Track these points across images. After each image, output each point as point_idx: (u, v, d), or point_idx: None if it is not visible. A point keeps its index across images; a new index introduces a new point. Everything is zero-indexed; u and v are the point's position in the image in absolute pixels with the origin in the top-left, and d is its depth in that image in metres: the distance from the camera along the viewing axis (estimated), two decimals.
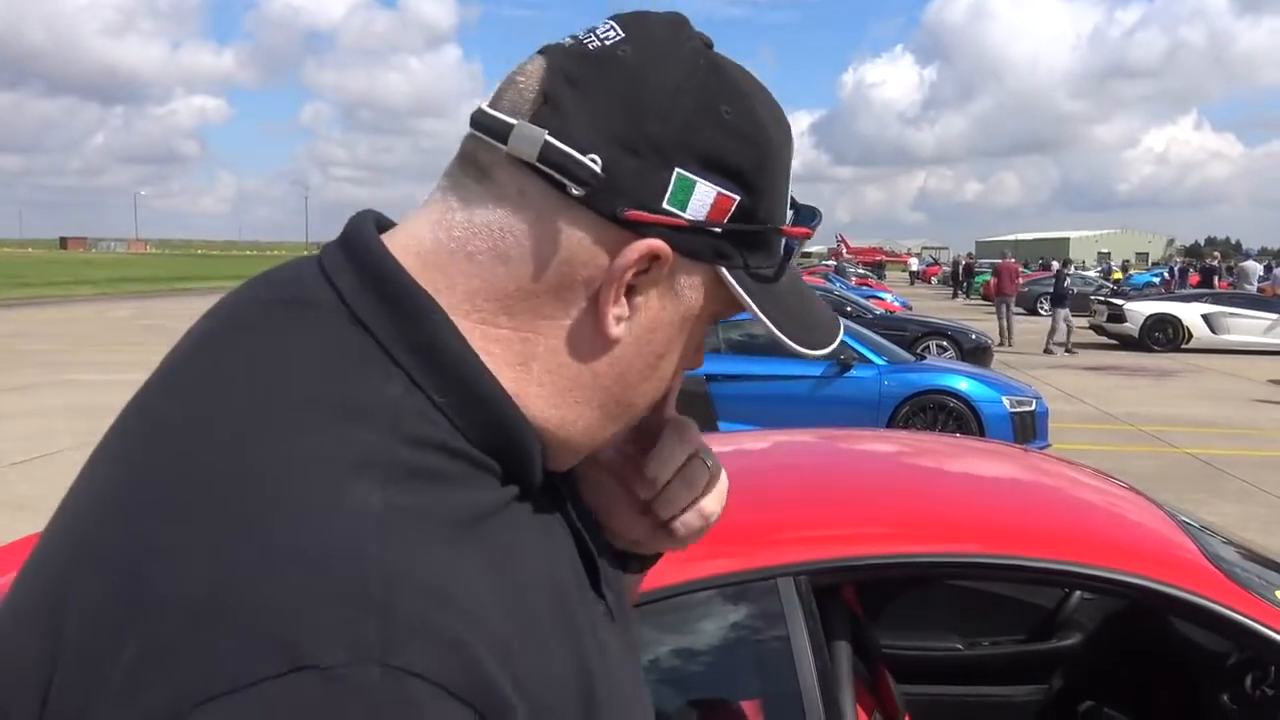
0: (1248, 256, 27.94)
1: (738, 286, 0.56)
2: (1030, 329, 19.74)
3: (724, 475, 0.70)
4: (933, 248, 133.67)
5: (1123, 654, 2.57)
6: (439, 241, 0.55)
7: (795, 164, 0.60)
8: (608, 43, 0.54)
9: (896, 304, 20.93)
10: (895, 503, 2.05)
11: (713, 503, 0.68)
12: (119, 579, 0.44)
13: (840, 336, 0.64)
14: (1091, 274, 36.39)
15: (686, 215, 0.54)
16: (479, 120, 0.54)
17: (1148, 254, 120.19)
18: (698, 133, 0.53)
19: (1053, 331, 16.43)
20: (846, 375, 7.63)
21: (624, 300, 0.55)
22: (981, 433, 7.26)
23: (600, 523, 0.69)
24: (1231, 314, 17.29)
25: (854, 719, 1.69)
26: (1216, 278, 24.34)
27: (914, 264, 63.38)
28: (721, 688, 1.73)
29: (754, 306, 0.57)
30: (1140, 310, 17.67)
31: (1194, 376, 13.86)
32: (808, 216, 0.60)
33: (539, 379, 0.55)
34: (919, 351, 10.85)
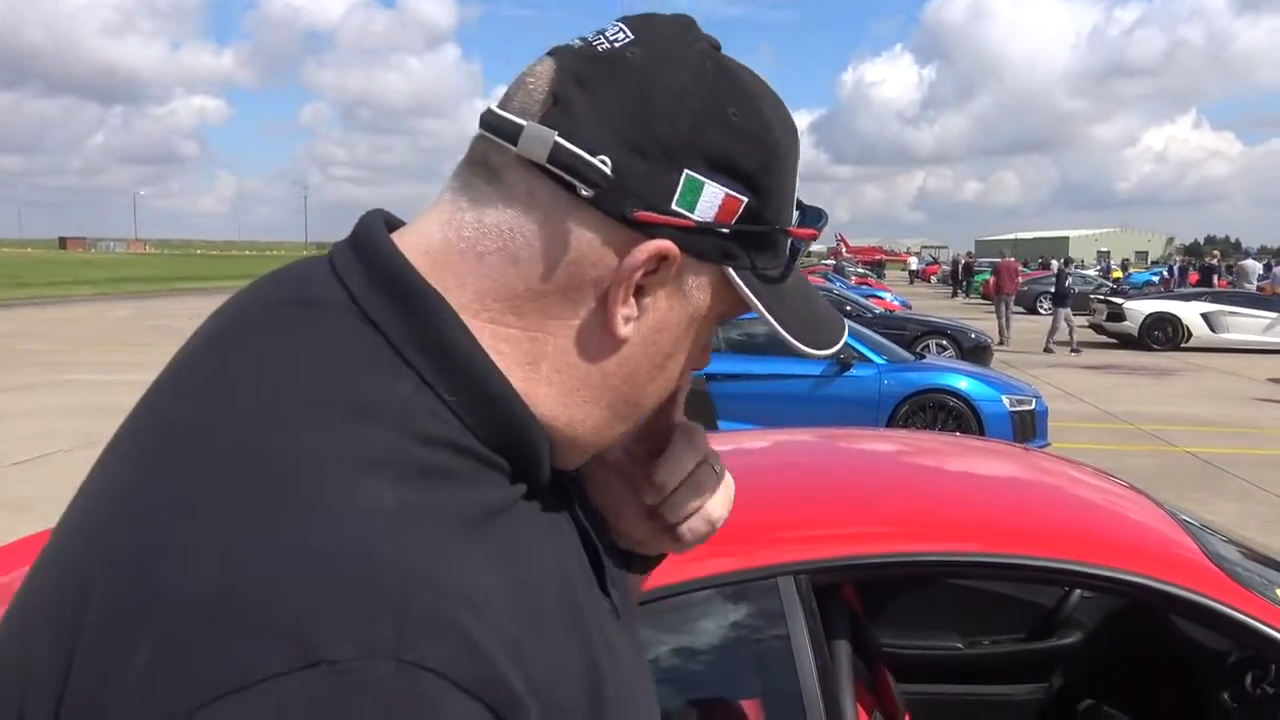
0: (1247, 255, 27.98)
1: (745, 287, 0.57)
2: (1030, 328, 19.74)
3: (730, 481, 0.70)
4: (932, 247, 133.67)
5: (1123, 653, 2.57)
6: (449, 241, 0.55)
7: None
8: (617, 45, 0.55)
9: (896, 303, 20.93)
10: (895, 502, 2.05)
11: (719, 508, 0.69)
12: (131, 577, 0.44)
13: (845, 337, 0.64)
14: (1091, 273, 36.41)
15: (694, 216, 0.54)
16: (489, 121, 0.54)
17: (1147, 253, 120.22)
18: (706, 134, 0.54)
19: (1053, 331, 16.42)
20: (846, 374, 7.63)
21: (632, 300, 0.55)
22: (981, 432, 7.26)
23: (606, 523, 0.69)
24: (1231, 313, 17.29)
25: (854, 718, 1.69)
26: (1216, 276, 24.34)
27: (913, 263, 63.36)
28: (722, 687, 1.73)
29: (761, 307, 0.57)
30: (1140, 309, 17.66)
31: (1193, 375, 13.86)
32: (813, 218, 0.61)
33: (548, 378, 0.56)
34: (919, 350, 10.84)
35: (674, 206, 0.53)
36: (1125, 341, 17.51)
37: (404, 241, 0.56)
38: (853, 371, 7.65)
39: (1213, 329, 17.17)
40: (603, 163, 0.52)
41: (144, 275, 48.16)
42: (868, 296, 19.37)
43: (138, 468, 0.50)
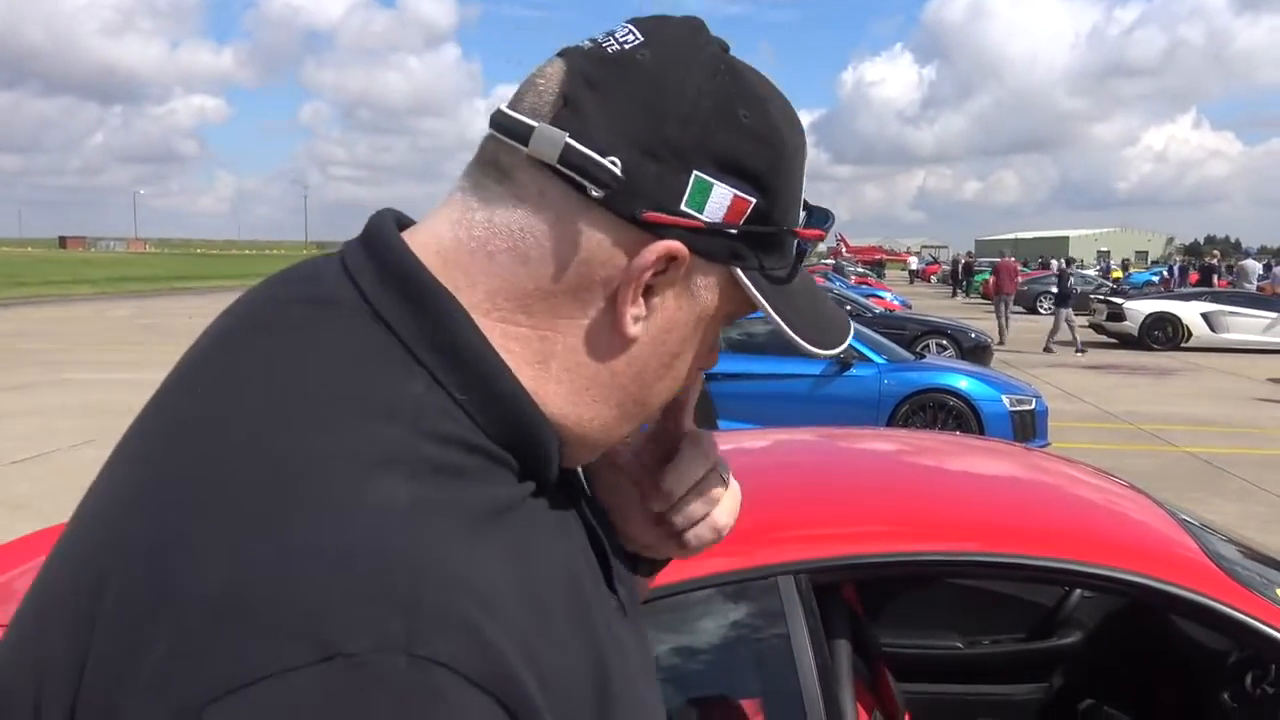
0: (1247, 255, 27.98)
1: (752, 287, 0.57)
2: (1030, 328, 19.73)
3: (737, 489, 0.71)
4: (932, 246, 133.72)
5: (1123, 652, 2.56)
6: (459, 241, 0.55)
7: None
8: (627, 46, 0.55)
9: (896, 302, 20.94)
10: (895, 501, 2.04)
11: (725, 516, 0.69)
12: (145, 574, 0.44)
13: (851, 336, 0.65)
14: (1091, 273, 36.40)
15: (703, 217, 0.54)
16: (499, 122, 0.55)
17: (1147, 252, 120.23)
18: (715, 136, 0.54)
19: (1055, 331, 16.40)
20: (846, 374, 7.63)
21: (641, 300, 0.55)
22: (981, 431, 7.26)
23: (613, 525, 0.70)
24: (1231, 312, 17.29)
25: (854, 717, 1.69)
26: (1216, 276, 24.35)
27: (913, 263, 63.36)
28: (722, 686, 1.73)
29: (768, 307, 0.58)
30: (1140, 309, 17.66)
31: (1193, 375, 13.86)
32: (820, 218, 0.61)
33: (557, 377, 0.56)
34: (919, 350, 10.84)
35: (683, 207, 0.54)
36: (1125, 341, 17.51)
37: (414, 240, 0.56)
38: (853, 371, 7.65)
39: (1213, 329, 17.17)
40: (613, 164, 0.52)
41: (144, 275, 48.16)
42: (868, 296, 19.38)
43: (147, 468, 0.50)
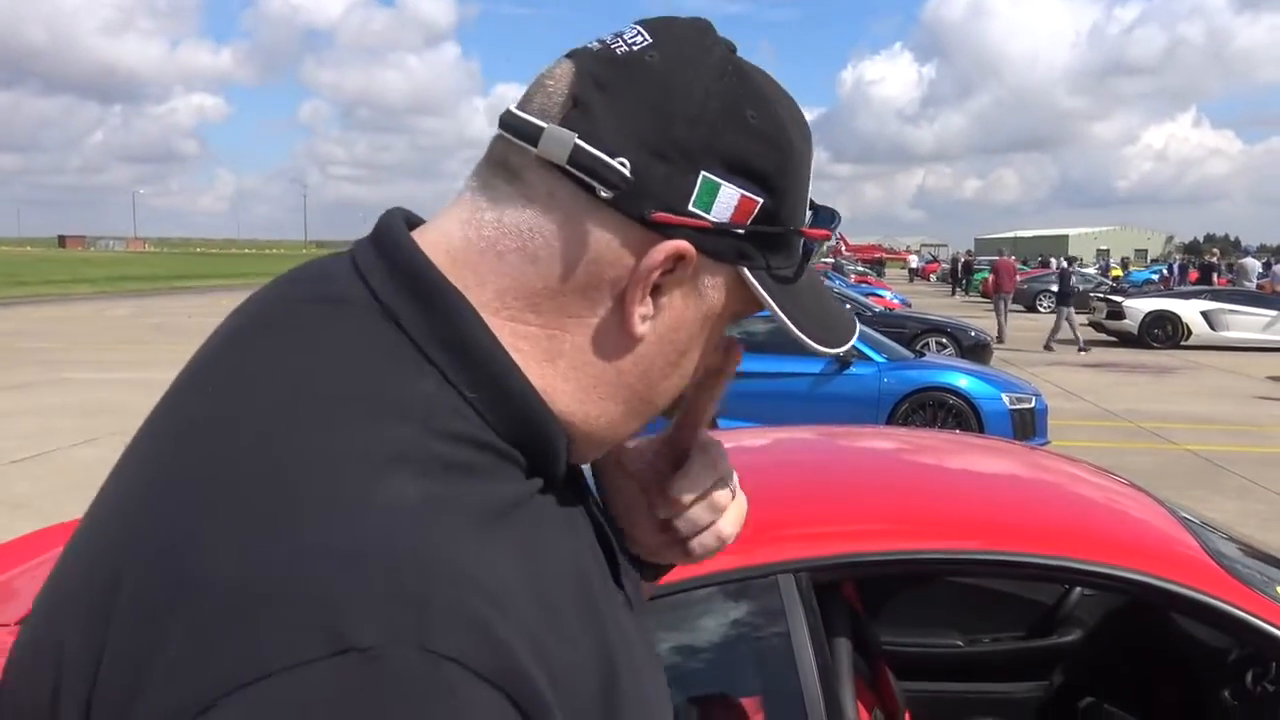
0: (1246, 253, 27.98)
1: (759, 287, 0.58)
2: (1029, 326, 19.73)
3: (743, 500, 0.72)
4: (932, 245, 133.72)
5: (1123, 650, 2.56)
6: (469, 240, 0.56)
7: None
8: (635, 48, 0.55)
9: (896, 301, 20.93)
10: (895, 499, 2.04)
11: (730, 526, 0.70)
12: (159, 572, 0.45)
13: (856, 334, 0.65)
14: (1090, 271, 36.40)
15: (711, 217, 0.55)
16: (508, 122, 0.55)
17: (1146, 251, 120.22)
18: (723, 137, 0.54)
19: (1056, 329, 16.40)
20: (846, 372, 7.63)
21: (649, 300, 0.56)
22: (981, 430, 7.26)
23: (620, 528, 0.71)
24: (1230, 311, 17.29)
25: (854, 715, 1.69)
26: (1215, 274, 24.34)
27: (913, 261, 63.38)
28: (722, 684, 1.73)
29: (774, 306, 0.58)
30: (1139, 307, 17.67)
31: (1193, 373, 13.86)
32: (826, 218, 0.61)
33: (565, 375, 0.57)
34: (918, 349, 10.84)
35: (691, 207, 0.54)
36: (1125, 340, 17.52)
37: (424, 239, 0.57)
38: (852, 370, 7.65)
39: (1212, 327, 17.17)
40: (622, 165, 0.53)
41: (143, 274, 48.15)
42: (867, 294, 19.38)
43: (159, 468, 0.51)
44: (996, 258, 20.62)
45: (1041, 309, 26.77)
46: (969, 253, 45.98)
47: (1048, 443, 7.24)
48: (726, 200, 0.55)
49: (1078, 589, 2.63)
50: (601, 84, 0.54)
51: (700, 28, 0.58)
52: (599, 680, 0.53)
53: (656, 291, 0.56)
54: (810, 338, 0.60)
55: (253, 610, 0.42)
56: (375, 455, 0.48)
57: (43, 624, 0.49)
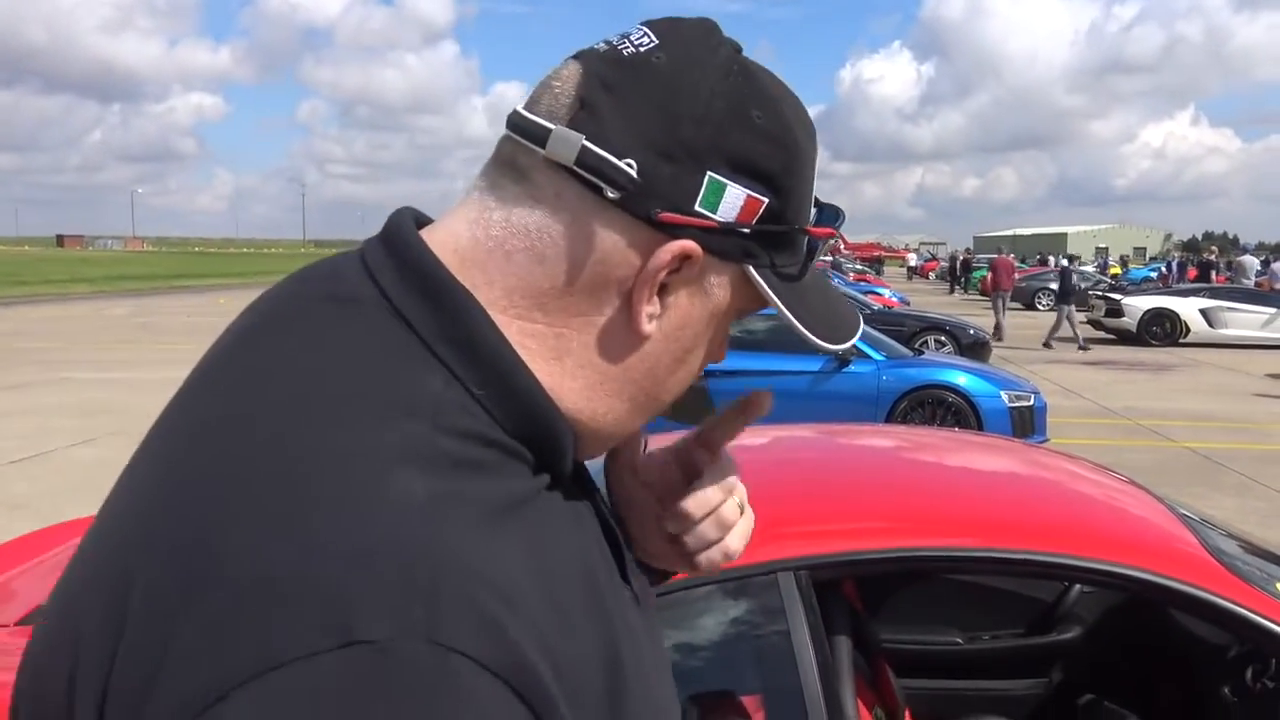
0: (1245, 251, 28.00)
1: (764, 285, 0.58)
2: (1028, 323, 19.74)
3: (751, 516, 0.73)
4: (930, 243, 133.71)
5: (1123, 647, 2.57)
6: (477, 240, 0.57)
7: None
8: (642, 49, 0.56)
9: (894, 299, 20.93)
10: (894, 497, 2.04)
11: (737, 542, 0.71)
12: (172, 569, 0.46)
13: (861, 329, 0.66)
14: (1089, 269, 36.40)
15: (717, 217, 0.56)
16: (516, 123, 0.56)
17: (1145, 249, 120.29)
18: (729, 137, 0.55)
19: (1056, 327, 16.39)
20: (845, 370, 7.63)
21: (656, 299, 0.57)
22: (980, 428, 7.26)
23: (629, 534, 0.72)
24: (1229, 308, 17.30)
25: (854, 713, 1.69)
26: (1214, 272, 24.34)
27: (912, 259, 63.34)
28: (722, 682, 1.73)
29: (780, 304, 0.59)
30: (1138, 305, 17.67)
31: (1192, 371, 13.87)
32: (831, 216, 0.62)
33: (572, 372, 0.57)
34: (917, 346, 10.84)
35: (697, 207, 0.55)
36: (1124, 337, 17.52)
37: (433, 239, 0.57)
38: (851, 368, 7.65)
39: (1211, 325, 17.18)
40: (629, 166, 0.53)
41: (142, 273, 48.10)
42: (866, 293, 19.38)
43: (172, 467, 0.51)
44: (995, 256, 20.62)
45: (1040, 307, 26.76)
46: (967, 251, 46.03)
47: (1047, 440, 7.24)
48: (732, 200, 0.55)
49: (1077, 586, 2.64)
50: (608, 85, 0.55)
51: (706, 28, 0.58)
52: (604, 675, 0.53)
53: (663, 291, 0.57)
54: (815, 335, 0.60)
55: (265, 604, 0.43)
56: (385, 452, 0.49)
57: (59, 618, 0.50)
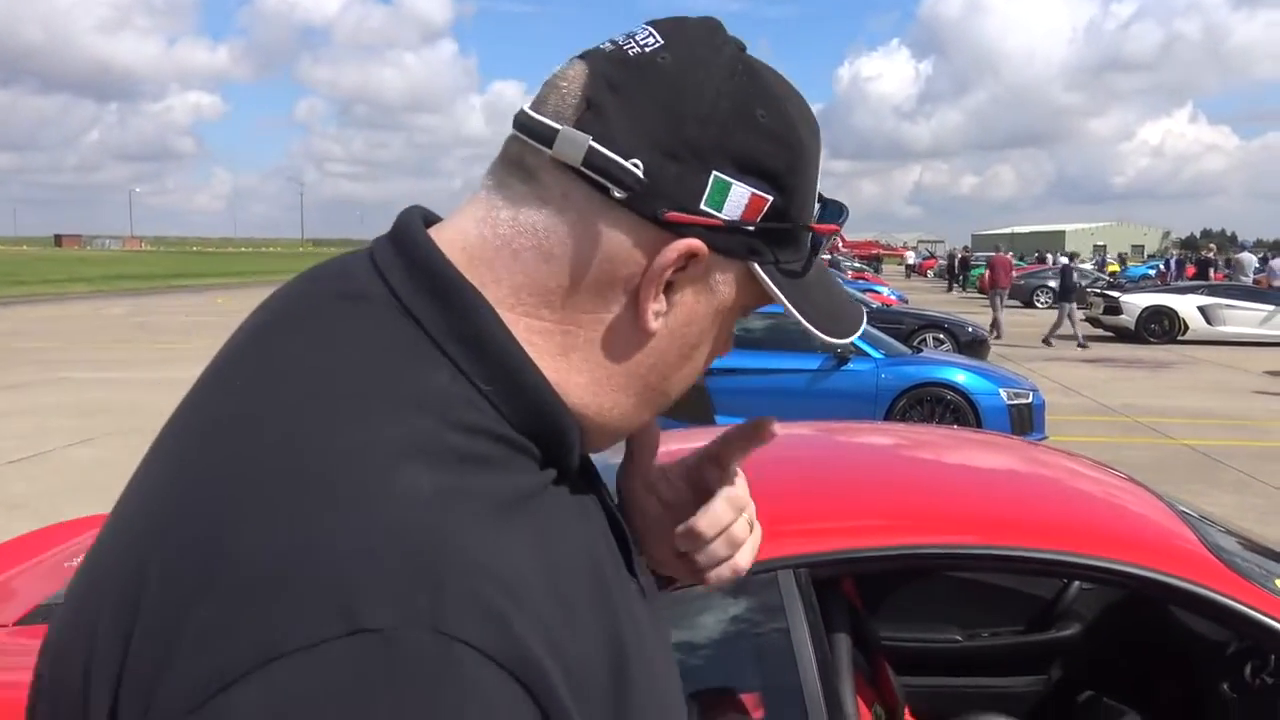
0: (1243, 248, 28.02)
1: (769, 282, 0.59)
2: (1026, 321, 19.74)
3: (759, 533, 0.74)
4: (929, 241, 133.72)
5: (1122, 644, 2.57)
6: (485, 238, 0.57)
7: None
8: (647, 49, 0.57)
9: (893, 297, 20.95)
10: (894, 495, 2.05)
11: (746, 559, 0.73)
12: (185, 564, 0.47)
13: (864, 322, 0.67)
14: (1087, 266, 36.40)
15: (722, 216, 0.56)
16: (523, 123, 0.57)
17: (1143, 246, 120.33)
18: (734, 137, 0.56)
19: (1058, 324, 16.38)
20: (844, 368, 7.64)
21: (663, 296, 0.57)
22: (979, 425, 7.26)
23: (639, 543, 0.72)
24: (1227, 306, 17.31)
25: (854, 710, 1.69)
26: (1212, 270, 24.36)
27: (910, 257, 63.35)
28: (722, 680, 1.73)
29: (784, 300, 0.59)
30: (1136, 302, 17.68)
31: (1190, 368, 13.88)
32: (834, 212, 0.63)
33: (578, 368, 0.58)
34: (916, 344, 10.85)
35: (703, 206, 0.56)
36: (1122, 335, 17.54)
37: (441, 237, 0.58)
38: (850, 366, 7.65)
39: (1209, 322, 17.19)
40: (635, 166, 0.54)
41: (140, 273, 48.06)
42: (864, 291, 19.38)
43: (184, 466, 0.52)
44: (993, 254, 20.63)
45: (1039, 304, 26.78)
46: (965, 249, 46.02)
47: (1045, 438, 7.24)
48: (737, 199, 0.56)
49: (1076, 583, 2.64)
50: (614, 86, 0.55)
51: (711, 27, 0.59)
52: (610, 669, 0.54)
53: (669, 288, 0.57)
54: (819, 329, 0.61)
55: (273, 594, 0.44)
56: (391, 447, 0.49)
57: (77, 608, 0.51)
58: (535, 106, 0.57)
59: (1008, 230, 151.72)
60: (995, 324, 17.14)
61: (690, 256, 0.56)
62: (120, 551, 0.51)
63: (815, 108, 0.62)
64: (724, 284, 0.59)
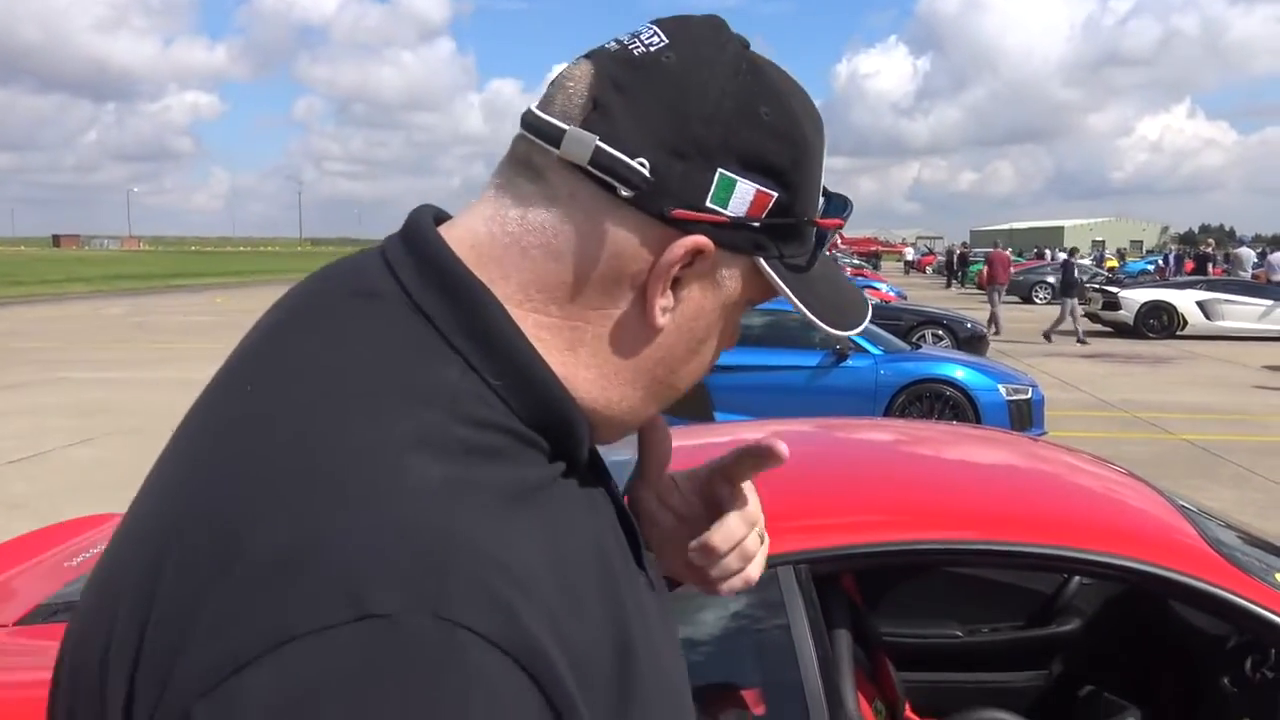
0: (1241, 243, 27.99)
1: (775, 276, 0.60)
2: (1025, 317, 19.75)
3: (768, 542, 0.76)
4: (927, 237, 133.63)
5: (1122, 639, 2.57)
6: (494, 236, 0.58)
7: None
8: (652, 49, 0.57)
9: (892, 294, 20.94)
10: (893, 491, 2.05)
11: (756, 570, 0.74)
12: (199, 553, 0.48)
13: (870, 314, 0.67)
14: (1086, 261, 36.39)
15: (728, 212, 0.57)
16: (531, 123, 0.57)
17: (1141, 242, 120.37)
18: (739, 135, 0.56)
19: (1060, 319, 16.35)
20: (843, 365, 7.64)
21: (670, 292, 0.58)
22: (978, 421, 7.27)
23: (651, 551, 0.73)
24: (1226, 301, 17.31)
25: (854, 706, 1.69)
26: (1211, 265, 24.36)
27: (909, 254, 63.33)
28: (723, 676, 1.73)
29: (790, 294, 0.60)
30: (1135, 298, 17.68)
31: (1189, 363, 13.89)
32: (839, 206, 0.64)
33: (586, 363, 0.59)
34: (915, 340, 10.85)
35: (708, 203, 0.56)
36: (1121, 330, 17.54)
37: (451, 235, 0.59)
38: (849, 362, 7.65)
39: (1208, 317, 17.19)
40: (641, 165, 0.55)
41: (138, 272, 48.02)
42: (863, 287, 19.33)
43: (198, 465, 0.53)
44: (991, 250, 20.63)
45: (1038, 300, 26.78)
46: (964, 245, 46.03)
47: (1044, 433, 7.25)
48: (743, 196, 0.57)
49: (1076, 578, 2.64)
50: (620, 86, 0.56)
51: (715, 25, 0.60)
52: (615, 659, 0.54)
53: (676, 284, 0.58)
54: (825, 322, 0.62)
55: (284, 582, 0.46)
56: (401, 441, 0.50)
57: (94, 601, 0.53)
58: (542, 106, 0.58)
59: (1006, 226, 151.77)
60: (993, 319, 17.14)
61: (697, 253, 0.57)
62: (137, 546, 0.52)
63: None
64: (730, 279, 0.60)
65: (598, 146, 0.55)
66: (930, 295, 27.51)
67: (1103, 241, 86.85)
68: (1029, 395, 7.47)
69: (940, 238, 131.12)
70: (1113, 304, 17.80)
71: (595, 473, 0.65)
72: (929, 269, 52.16)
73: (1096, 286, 19.69)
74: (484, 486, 0.51)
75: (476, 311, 0.56)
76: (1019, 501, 2.01)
